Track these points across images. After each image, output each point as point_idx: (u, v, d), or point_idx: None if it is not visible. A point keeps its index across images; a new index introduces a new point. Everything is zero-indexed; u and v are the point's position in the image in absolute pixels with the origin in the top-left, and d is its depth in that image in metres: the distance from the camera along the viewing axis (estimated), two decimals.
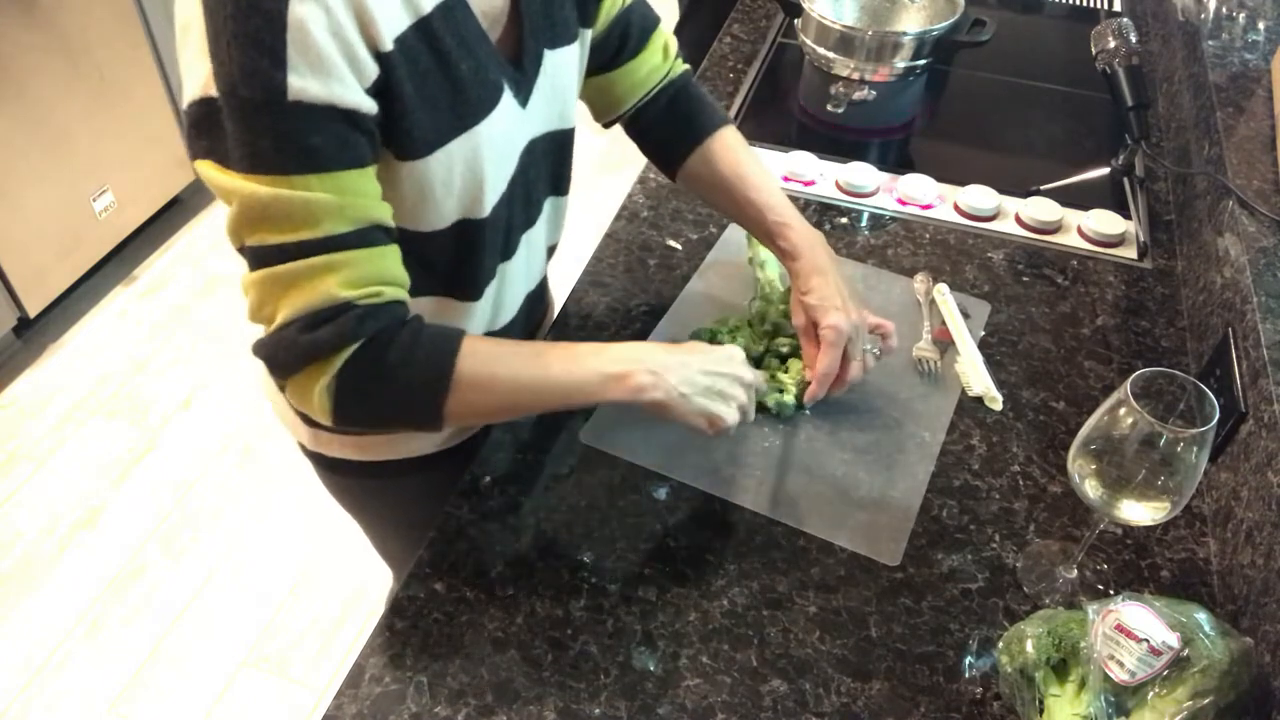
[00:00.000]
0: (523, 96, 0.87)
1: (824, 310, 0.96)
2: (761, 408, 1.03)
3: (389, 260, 0.77)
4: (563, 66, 0.91)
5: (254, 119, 0.68)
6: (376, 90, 0.72)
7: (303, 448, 1.09)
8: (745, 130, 1.47)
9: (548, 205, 1.01)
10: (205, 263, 2.75)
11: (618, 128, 1.12)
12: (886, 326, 1.02)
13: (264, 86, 0.67)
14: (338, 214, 0.72)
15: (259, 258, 0.73)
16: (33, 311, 2.40)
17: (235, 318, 2.59)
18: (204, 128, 0.70)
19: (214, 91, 0.68)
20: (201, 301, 2.63)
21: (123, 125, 2.50)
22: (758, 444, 1.01)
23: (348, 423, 0.79)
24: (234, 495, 2.17)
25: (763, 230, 1.03)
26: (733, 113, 1.51)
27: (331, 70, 0.68)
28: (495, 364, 0.81)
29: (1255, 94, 1.32)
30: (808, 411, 1.04)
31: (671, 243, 1.26)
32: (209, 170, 0.72)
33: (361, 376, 0.76)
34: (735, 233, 1.27)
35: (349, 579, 2.03)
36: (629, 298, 1.18)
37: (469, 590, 0.89)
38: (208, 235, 2.83)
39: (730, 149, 1.06)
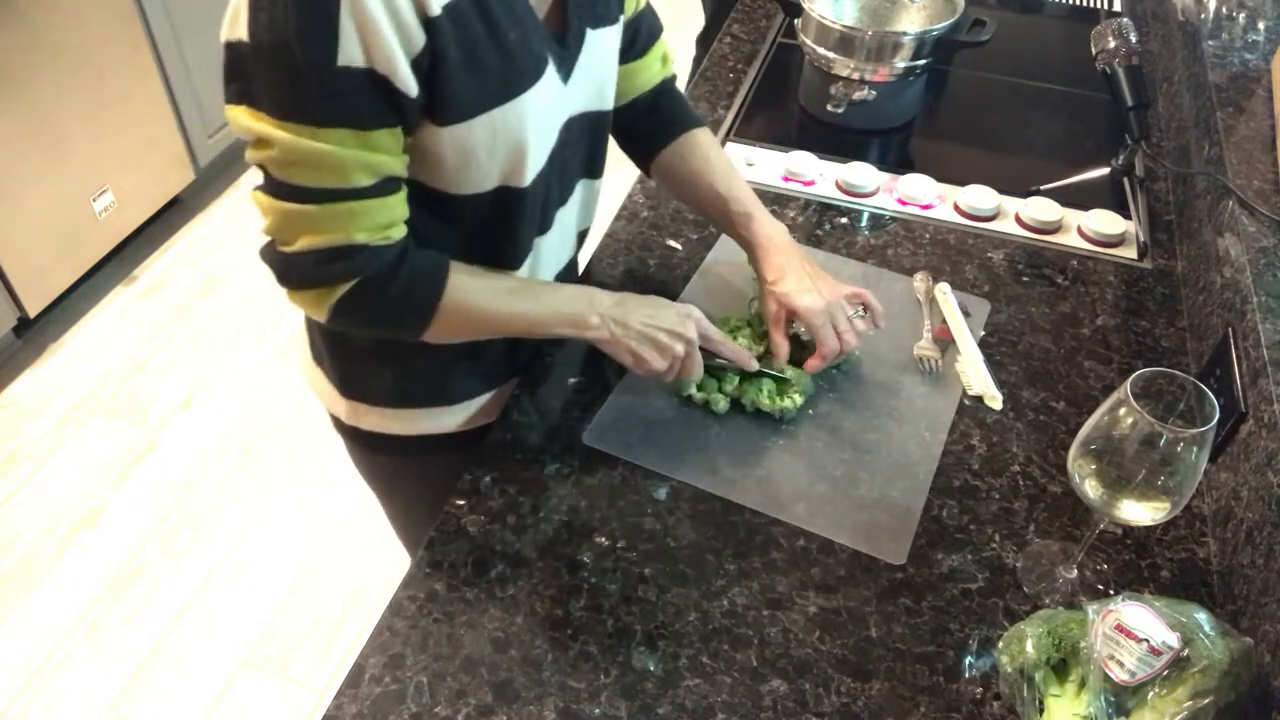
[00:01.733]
0: (565, 72, 0.90)
1: (795, 295, 1.01)
2: (761, 412, 1.03)
3: (399, 204, 0.84)
4: (603, 47, 0.95)
5: (301, 75, 0.73)
6: (423, 59, 0.77)
7: (338, 423, 1.12)
8: (745, 130, 1.48)
9: (580, 187, 1.05)
10: (205, 263, 2.75)
11: None
12: (863, 294, 1.06)
13: (317, 49, 0.72)
14: (364, 168, 0.79)
15: (285, 192, 0.79)
16: (33, 311, 2.40)
17: (235, 318, 2.59)
18: (240, 70, 0.76)
19: (248, 36, 0.73)
20: (201, 301, 2.63)
21: (123, 125, 2.50)
22: (758, 444, 1.01)
23: (339, 327, 0.91)
24: (234, 495, 2.18)
25: (727, 221, 1.08)
26: (732, 113, 1.51)
27: (379, 39, 0.73)
28: (474, 296, 0.91)
29: (1255, 94, 1.32)
30: (811, 412, 1.04)
31: (671, 243, 1.26)
32: (243, 116, 0.77)
33: (362, 300, 0.85)
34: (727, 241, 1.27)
35: (349, 579, 2.03)
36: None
37: (469, 590, 0.89)
38: (208, 235, 2.83)
39: (701, 145, 1.11)
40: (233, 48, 0.75)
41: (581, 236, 1.13)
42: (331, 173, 0.78)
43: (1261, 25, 1.48)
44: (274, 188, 0.80)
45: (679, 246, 1.26)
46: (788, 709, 0.81)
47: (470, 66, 0.80)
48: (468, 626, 0.86)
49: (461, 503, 0.96)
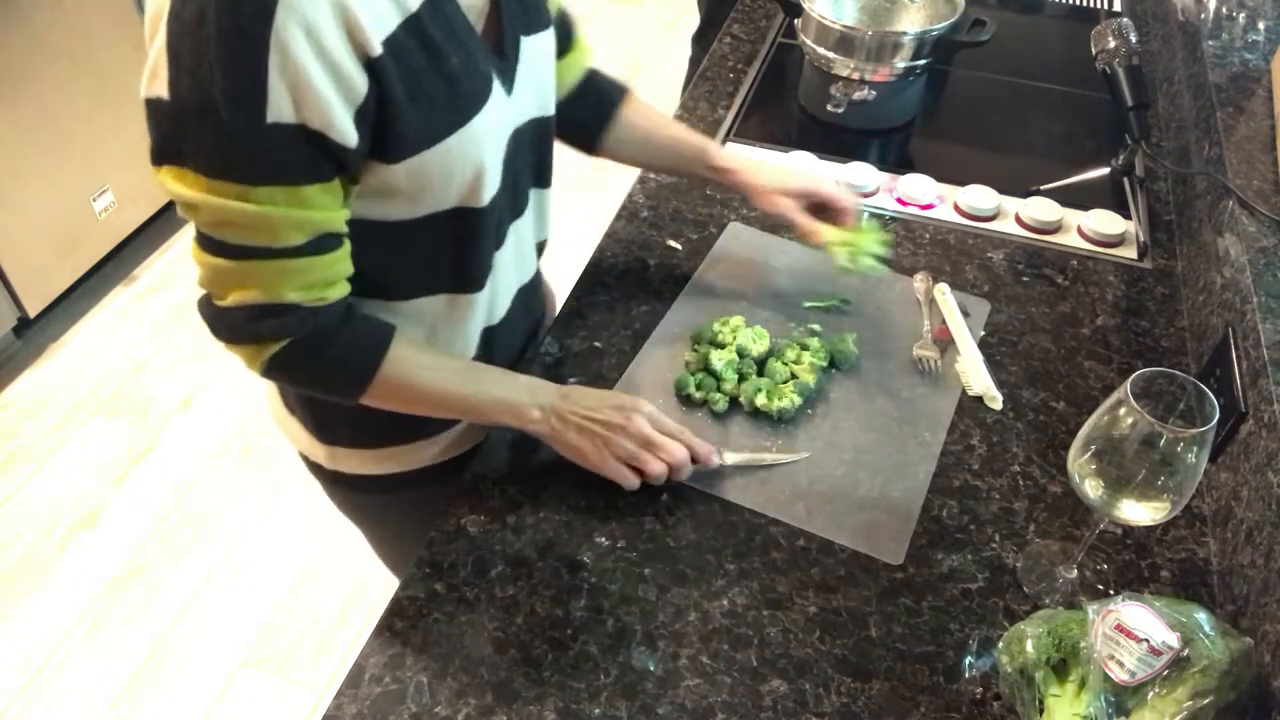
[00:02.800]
0: (508, 85, 0.88)
1: (794, 177, 1.10)
2: (759, 413, 1.03)
3: (337, 263, 0.81)
4: (539, 52, 0.93)
5: (227, 136, 0.70)
6: (368, 105, 0.74)
7: (317, 468, 1.10)
8: (745, 130, 1.48)
9: (532, 196, 1.01)
10: None
11: None
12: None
13: (244, 110, 0.69)
14: (296, 226, 0.76)
15: (216, 248, 0.77)
16: (33, 311, 2.40)
17: None
18: (161, 129, 0.72)
19: (168, 94, 0.70)
20: None
21: (123, 125, 2.50)
22: (758, 444, 1.01)
23: (275, 382, 0.90)
24: (234, 495, 2.18)
25: (704, 162, 1.13)
26: (732, 113, 1.51)
27: (311, 95, 0.70)
28: (414, 373, 0.89)
29: (1255, 94, 1.32)
30: (810, 412, 1.04)
31: (671, 243, 1.26)
32: (169, 179, 0.74)
33: (295, 360, 0.83)
34: (735, 232, 1.27)
35: (349, 579, 2.03)
36: (629, 297, 1.18)
37: (469, 590, 0.89)
38: None
39: (645, 107, 1.15)
40: (153, 105, 0.71)
41: (540, 248, 1.10)
42: (262, 232, 0.75)
43: (1261, 25, 1.48)
44: (205, 243, 0.77)
45: (679, 246, 1.26)
46: (788, 709, 0.81)
47: (415, 100, 0.77)
48: (468, 626, 0.86)
49: (461, 503, 0.96)
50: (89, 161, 2.43)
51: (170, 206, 2.81)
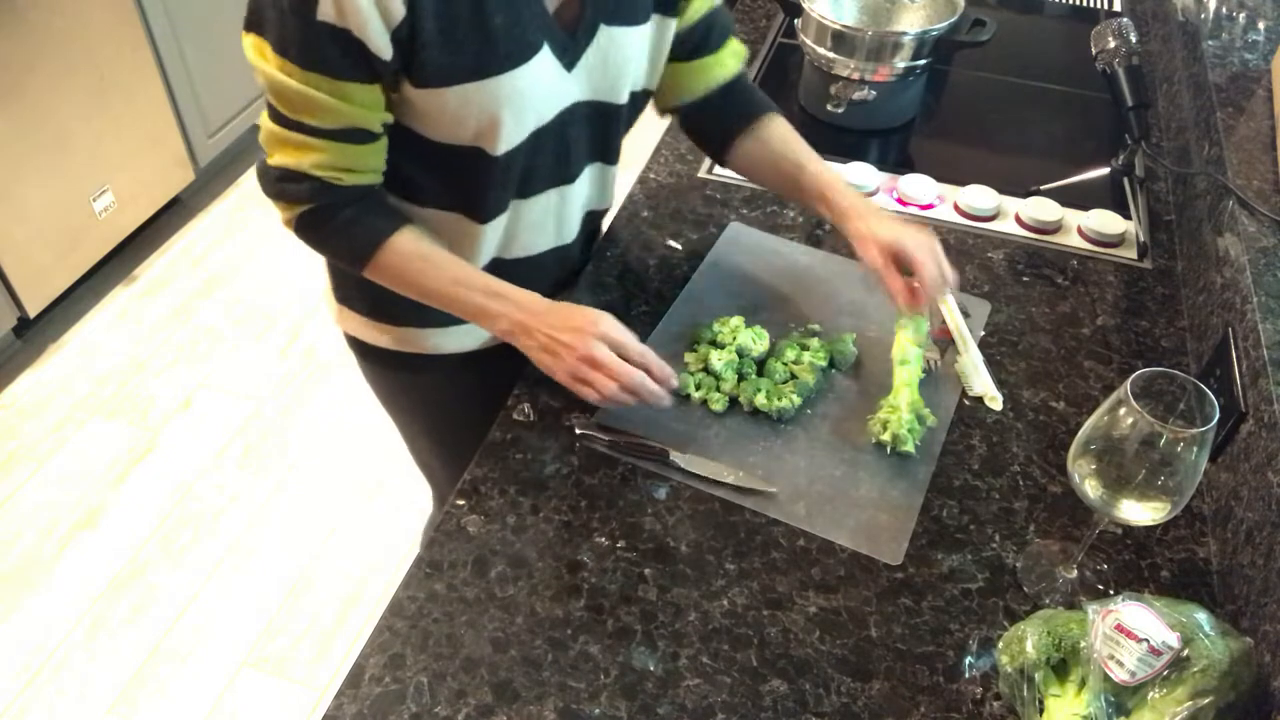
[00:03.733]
0: (568, 60, 0.95)
1: (890, 230, 1.01)
2: (759, 412, 1.03)
3: (362, 156, 0.93)
4: (622, 43, 0.98)
5: (289, 19, 0.83)
6: (402, 29, 0.84)
7: (346, 336, 1.21)
8: None
9: (591, 170, 1.09)
10: (205, 263, 2.75)
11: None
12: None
13: (301, 3, 0.82)
14: (330, 113, 0.88)
15: (272, 113, 0.91)
16: (33, 311, 2.40)
17: (235, 318, 2.59)
18: (254, 3, 0.86)
19: None
20: (201, 301, 2.63)
21: (123, 125, 2.50)
22: (758, 443, 1.01)
23: (303, 242, 1.00)
24: (234, 495, 2.17)
25: (816, 194, 1.09)
26: None
27: (353, 6, 0.81)
28: (407, 263, 0.99)
29: (1255, 94, 1.32)
30: (809, 412, 1.04)
31: (671, 243, 1.26)
32: (249, 43, 0.88)
33: (312, 226, 0.97)
34: (735, 232, 1.27)
35: (348, 579, 2.03)
36: (629, 297, 1.18)
37: (469, 590, 0.89)
38: (208, 235, 2.83)
39: (779, 130, 1.14)
40: None
41: (592, 216, 1.17)
42: (302, 110, 0.88)
43: (1261, 25, 1.48)
44: (268, 107, 0.91)
45: (679, 246, 1.26)
46: (788, 709, 0.81)
47: (446, 42, 0.86)
48: (468, 626, 0.86)
49: (461, 503, 0.96)
50: (89, 161, 2.43)
51: (170, 206, 2.81)
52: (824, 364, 1.08)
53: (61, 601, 1.97)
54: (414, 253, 0.99)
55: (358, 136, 0.91)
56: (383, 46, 0.84)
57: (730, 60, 1.13)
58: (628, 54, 1.00)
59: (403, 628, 0.86)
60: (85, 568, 2.03)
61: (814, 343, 1.09)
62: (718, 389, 1.04)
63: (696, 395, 1.04)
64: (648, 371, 0.95)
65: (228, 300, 2.64)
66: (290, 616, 1.96)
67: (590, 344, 0.94)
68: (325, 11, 0.81)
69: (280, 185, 0.94)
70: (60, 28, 2.25)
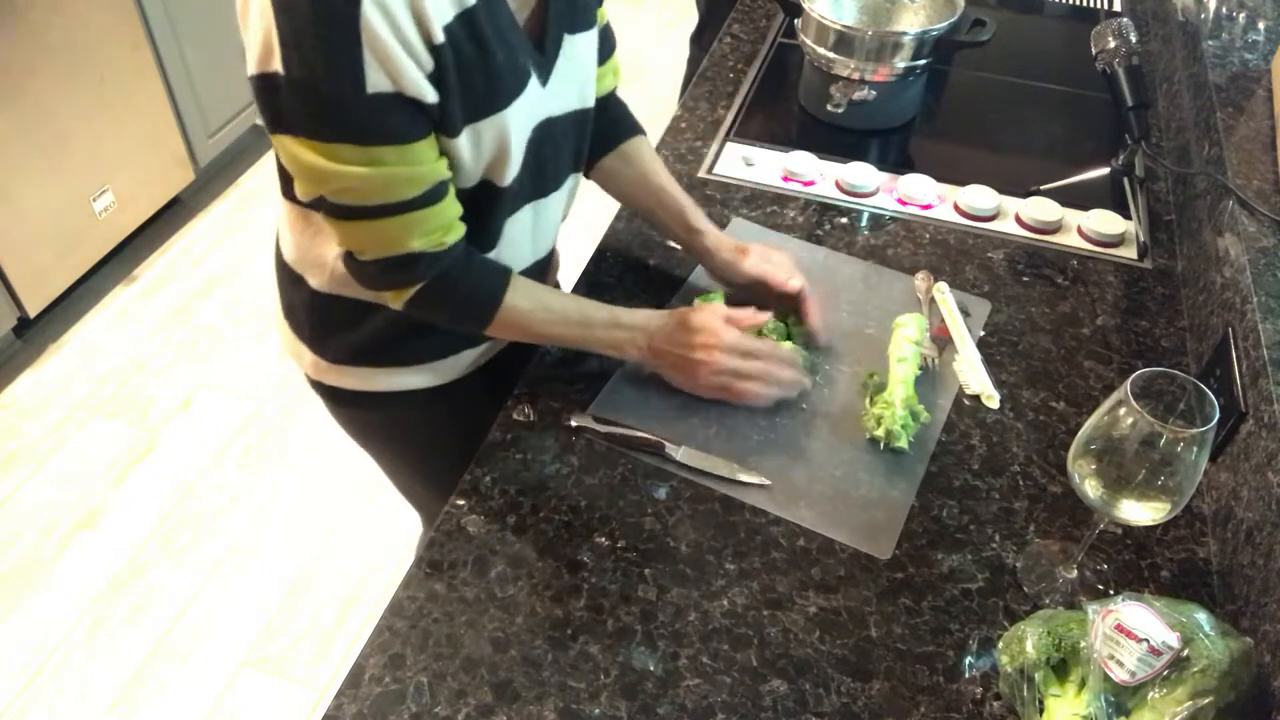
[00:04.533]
0: (544, 76, 0.95)
1: (751, 263, 1.12)
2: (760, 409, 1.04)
3: (449, 209, 0.91)
4: (581, 50, 0.99)
5: (337, 106, 0.79)
6: (431, 79, 0.82)
7: (308, 379, 1.17)
8: (745, 130, 1.48)
9: (570, 180, 1.09)
10: (205, 263, 2.75)
11: None
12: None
13: (347, 83, 0.78)
14: (410, 181, 0.85)
15: (344, 213, 0.87)
16: (33, 311, 2.40)
17: (235, 318, 2.59)
18: (279, 101, 0.80)
19: (282, 69, 0.77)
20: (201, 301, 2.63)
21: (123, 125, 2.50)
22: (758, 443, 1.01)
23: (417, 317, 0.99)
24: (234, 495, 2.18)
25: (681, 224, 1.15)
26: (732, 113, 1.51)
27: (399, 65, 0.78)
28: (528, 315, 1.00)
29: (1255, 94, 1.32)
30: (805, 408, 1.05)
31: (672, 243, 1.26)
32: (290, 143, 0.82)
33: (427, 301, 0.95)
34: (736, 230, 1.27)
35: (348, 579, 2.03)
36: (629, 297, 1.18)
37: (469, 590, 0.89)
38: (208, 235, 2.83)
39: (647, 151, 1.18)
40: (270, 79, 0.79)
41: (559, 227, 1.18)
42: (379, 190, 0.84)
43: (1261, 25, 1.48)
44: (334, 210, 0.87)
45: (679, 246, 1.25)
46: (788, 709, 0.81)
47: (463, 88, 0.85)
48: (468, 626, 0.86)
49: (461, 503, 0.96)
50: (89, 161, 2.43)
51: (170, 206, 2.81)
52: (787, 342, 1.09)
53: (61, 601, 1.97)
54: (532, 306, 1.00)
55: (439, 192, 0.88)
56: (429, 91, 0.82)
57: (609, 76, 1.13)
58: (588, 60, 1.01)
59: (403, 628, 0.86)
60: (85, 568, 2.03)
61: (768, 324, 1.09)
62: None
63: None
64: (773, 376, 1.03)
65: (228, 300, 2.64)
66: (290, 616, 1.96)
67: (721, 358, 1.01)
68: (374, 82, 0.78)
69: (389, 277, 0.92)
70: (60, 28, 2.25)
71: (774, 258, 1.13)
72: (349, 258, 0.93)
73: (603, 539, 0.93)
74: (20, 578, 2.01)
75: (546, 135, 0.99)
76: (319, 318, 1.08)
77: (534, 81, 0.92)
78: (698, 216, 1.15)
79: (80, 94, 2.35)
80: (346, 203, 0.85)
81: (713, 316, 1.02)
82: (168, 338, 2.53)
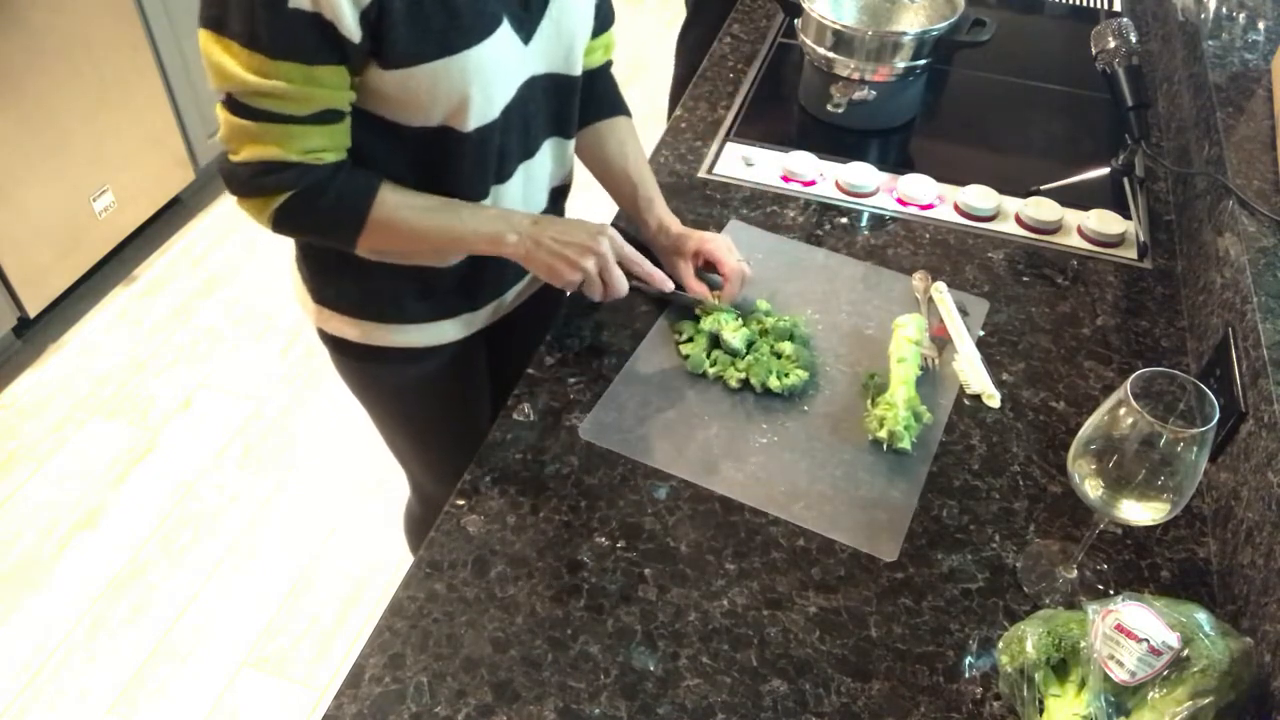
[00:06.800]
0: (525, 33, 0.97)
1: (698, 237, 1.15)
2: (760, 407, 1.04)
3: (336, 134, 0.93)
4: (569, 12, 1.01)
5: (260, 12, 0.82)
6: (370, 10, 0.85)
7: (320, 331, 1.21)
8: (745, 130, 1.48)
9: (550, 144, 1.11)
10: (205, 263, 2.75)
11: None
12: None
13: None
14: (303, 100, 0.88)
15: (238, 109, 0.90)
16: (33, 311, 2.40)
17: (235, 318, 2.59)
18: (218, 3, 0.84)
19: None
20: (201, 301, 2.63)
21: (123, 125, 2.50)
22: (757, 441, 1.01)
23: (282, 234, 0.99)
24: (234, 495, 2.17)
25: (632, 204, 1.18)
26: (732, 113, 1.51)
27: None
28: (399, 212, 0.98)
29: (1255, 94, 1.32)
30: (807, 409, 1.04)
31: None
32: (208, 41, 0.86)
33: (295, 212, 0.95)
34: (735, 231, 1.27)
35: (348, 579, 2.03)
36: (629, 296, 1.17)
37: (469, 590, 0.89)
38: (208, 235, 2.83)
39: (623, 131, 1.20)
40: None
41: (557, 192, 1.19)
42: (276, 100, 0.88)
43: (1261, 25, 1.48)
44: (230, 104, 0.90)
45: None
46: (788, 709, 0.81)
47: (413, 20, 0.87)
48: (468, 626, 0.86)
49: (461, 503, 0.96)
50: (89, 161, 2.43)
51: (170, 206, 2.81)
52: (789, 339, 1.09)
53: (61, 601, 1.97)
54: (404, 203, 0.99)
55: (330, 117, 0.91)
56: (353, 29, 0.85)
57: (599, 50, 1.15)
58: (576, 23, 1.03)
59: (403, 628, 0.86)
60: (85, 568, 2.03)
61: (769, 320, 1.11)
62: (732, 366, 1.07)
63: (711, 372, 1.07)
64: (647, 277, 1.07)
65: (228, 300, 2.64)
66: (290, 616, 1.96)
67: (606, 248, 1.02)
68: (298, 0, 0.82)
69: (258, 180, 0.93)
70: (60, 28, 2.25)
71: (716, 238, 1.16)
72: (223, 158, 0.95)
73: (603, 539, 0.93)
74: (20, 578, 2.01)
75: (529, 94, 1.01)
76: (316, 263, 1.12)
77: (509, 33, 0.94)
78: (652, 198, 1.17)
79: (80, 94, 2.35)
80: (245, 101, 0.88)
81: (614, 236, 1.03)
82: (168, 338, 2.53)
